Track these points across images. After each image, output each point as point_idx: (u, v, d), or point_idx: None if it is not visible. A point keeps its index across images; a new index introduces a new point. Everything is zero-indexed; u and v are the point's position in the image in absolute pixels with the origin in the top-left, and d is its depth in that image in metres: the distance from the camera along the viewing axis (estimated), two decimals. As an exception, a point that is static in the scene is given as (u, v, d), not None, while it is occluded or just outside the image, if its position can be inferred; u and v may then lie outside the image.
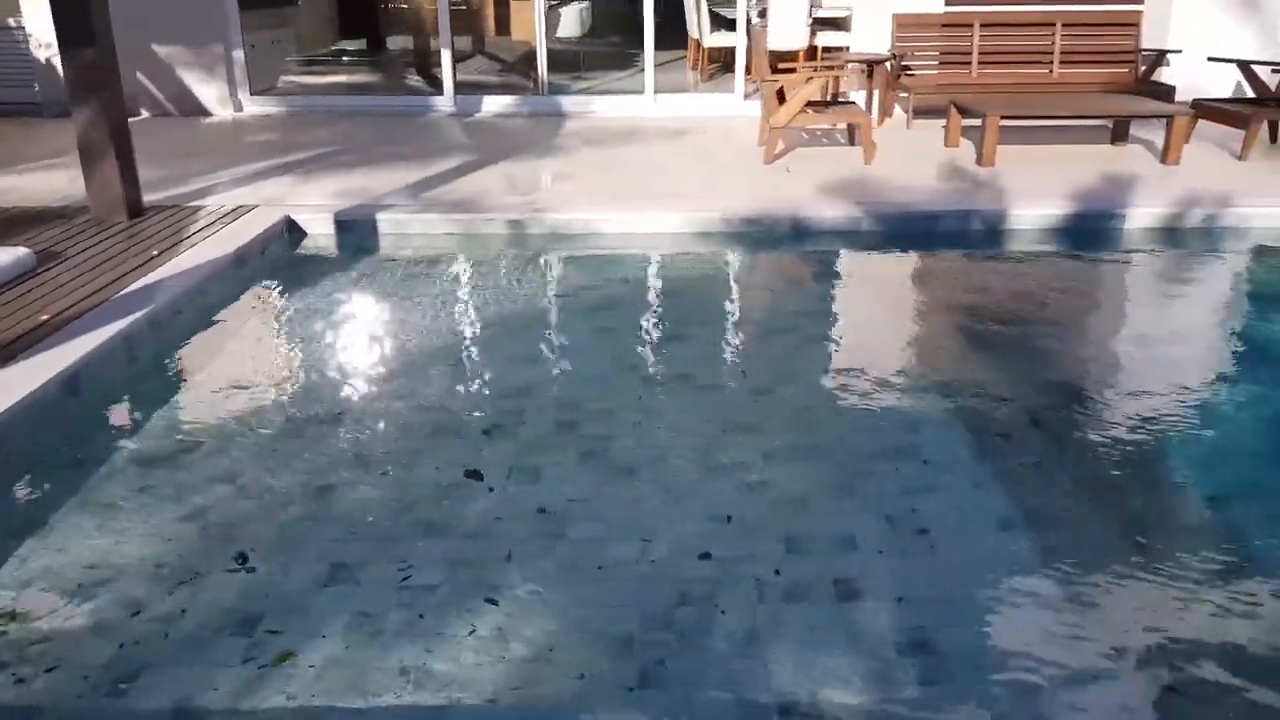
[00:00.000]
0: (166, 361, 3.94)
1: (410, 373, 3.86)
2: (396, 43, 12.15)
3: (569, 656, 2.24)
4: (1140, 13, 8.12)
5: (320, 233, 5.42)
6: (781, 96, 6.76)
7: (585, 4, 12.10)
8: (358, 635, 2.29)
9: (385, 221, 5.42)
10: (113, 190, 5.15)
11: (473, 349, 4.19)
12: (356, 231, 5.41)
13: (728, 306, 4.85)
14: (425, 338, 4.21)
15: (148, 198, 5.51)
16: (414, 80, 10.40)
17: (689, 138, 7.68)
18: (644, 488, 2.99)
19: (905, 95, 8.01)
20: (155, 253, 4.66)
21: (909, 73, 8.08)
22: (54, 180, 6.03)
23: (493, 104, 8.93)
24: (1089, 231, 5.52)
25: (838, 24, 9.18)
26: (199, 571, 2.54)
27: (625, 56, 10.38)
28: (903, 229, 5.54)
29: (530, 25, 8.97)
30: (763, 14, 8.69)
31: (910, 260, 5.48)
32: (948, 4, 8.37)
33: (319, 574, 2.53)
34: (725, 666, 2.20)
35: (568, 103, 8.95)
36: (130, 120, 5.34)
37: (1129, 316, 4.88)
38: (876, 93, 8.07)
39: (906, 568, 2.59)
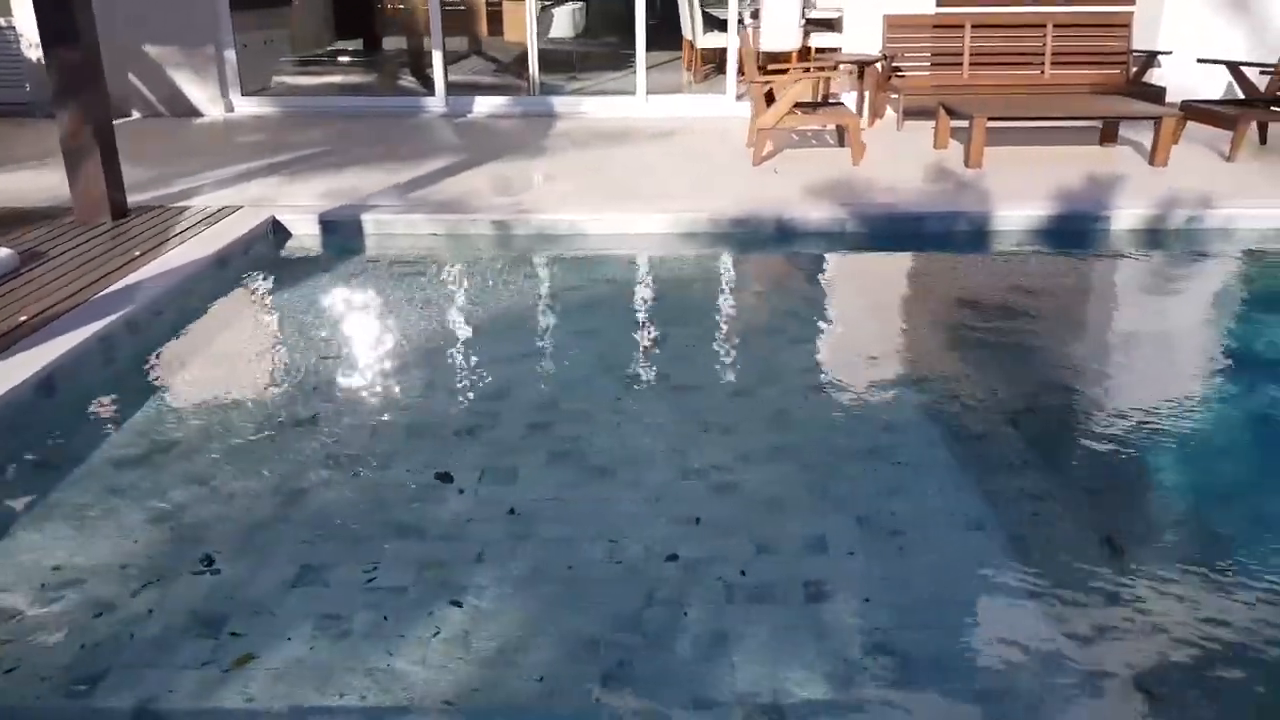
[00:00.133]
0: (142, 363, 3.93)
1: (388, 374, 3.86)
2: (389, 43, 12.15)
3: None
4: (1131, 14, 8.11)
5: (305, 233, 5.42)
6: (771, 97, 6.75)
7: (579, 5, 12.11)
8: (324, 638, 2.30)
9: (370, 222, 5.42)
10: (97, 191, 5.15)
11: (452, 350, 4.18)
12: (341, 232, 5.41)
13: (712, 307, 4.85)
14: (404, 339, 4.20)
15: (135, 198, 5.51)
16: (406, 81, 10.39)
17: (680, 138, 7.68)
18: (618, 489, 2.99)
19: (896, 96, 8.01)
20: (138, 253, 4.66)
21: (900, 74, 8.08)
22: (42, 180, 6.02)
23: (485, 104, 8.93)
24: (1073, 233, 5.52)
25: (830, 25, 9.18)
26: (165, 574, 2.53)
27: (618, 57, 10.37)
28: (887, 230, 5.54)
29: (523, 26, 8.97)
30: (755, 15, 8.69)
31: (894, 261, 5.48)
32: (939, 5, 8.37)
33: (288, 575, 2.53)
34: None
35: (559, 103, 8.95)
36: (121, 121, 5.37)
37: (1111, 317, 4.88)
38: (867, 94, 8.08)
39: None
